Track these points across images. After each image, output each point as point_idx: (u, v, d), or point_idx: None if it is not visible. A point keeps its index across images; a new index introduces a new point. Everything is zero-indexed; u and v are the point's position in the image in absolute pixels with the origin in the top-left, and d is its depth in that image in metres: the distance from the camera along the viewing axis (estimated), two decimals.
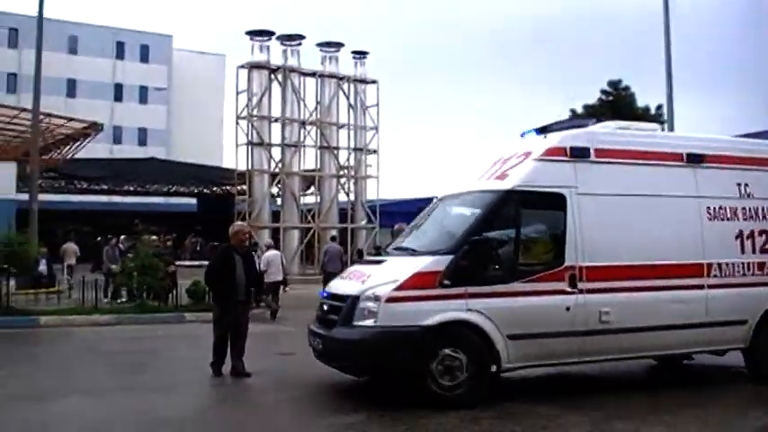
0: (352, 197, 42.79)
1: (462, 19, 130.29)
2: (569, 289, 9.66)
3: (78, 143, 36.89)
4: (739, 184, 11.05)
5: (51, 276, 24.55)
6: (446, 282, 9.12)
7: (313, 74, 40.85)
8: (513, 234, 9.75)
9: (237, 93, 39.57)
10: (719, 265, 10.61)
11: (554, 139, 10.48)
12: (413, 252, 10.27)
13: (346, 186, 42.63)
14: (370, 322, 9.03)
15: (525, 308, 9.44)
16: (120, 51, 68.55)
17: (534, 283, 9.58)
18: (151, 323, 18.08)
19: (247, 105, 39.20)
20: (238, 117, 39.45)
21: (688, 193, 10.73)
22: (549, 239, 10.16)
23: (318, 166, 41.62)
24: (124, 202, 52.06)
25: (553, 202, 10.00)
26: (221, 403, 9.87)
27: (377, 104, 42.87)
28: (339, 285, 10.41)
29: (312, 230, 39.54)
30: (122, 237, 25.43)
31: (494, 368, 9.20)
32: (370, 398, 9.65)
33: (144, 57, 69.92)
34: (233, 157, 40.67)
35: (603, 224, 10.01)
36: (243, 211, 38.76)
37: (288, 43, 39.90)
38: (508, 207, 9.86)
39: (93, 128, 35.12)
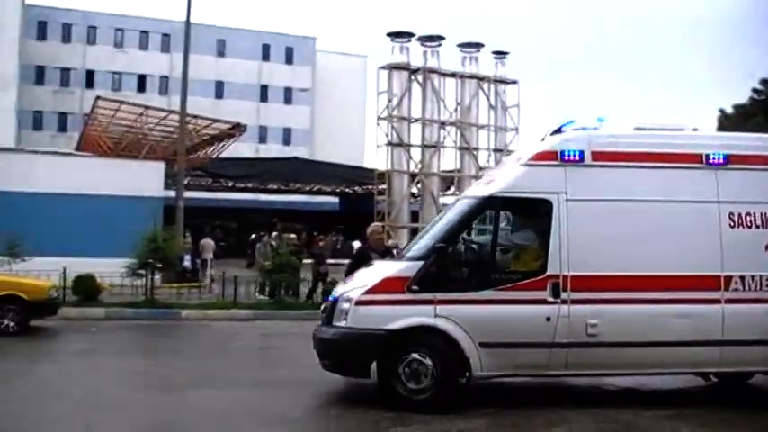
0: None
1: (604, 15, 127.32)
2: (551, 299, 9.23)
3: (223, 143, 38.04)
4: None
5: (195, 271, 25.41)
6: (414, 287, 9.11)
7: (453, 74, 40.69)
8: (490, 241, 9.75)
9: (378, 94, 39.87)
10: (742, 277, 9.54)
11: (546, 143, 10.04)
12: (400, 257, 10.46)
13: None
14: (342, 323, 9.27)
15: (499, 316, 9.16)
16: (265, 53, 70.33)
17: (511, 291, 9.28)
18: (287, 320, 18.37)
19: (387, 106, 39.42)
20: (379, 118, 39.74)
21: (706, 198, 9.75)
22: (532, 247, 9.75)
23: (458, 167, 41.45)
24: (269, 200, 53.28)
25: (537, 209, 9.60)
26: (341, 401, 9.84)
27: (517, 105, 42.35)
28: (337, 287, 10.50)
29: None
30: (274, 234, 26.05)
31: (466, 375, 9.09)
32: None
33: (288, 58, 71.50)
34: (374, 158, 41.11)
35: (597, 231, 9.48)
36: (382, 210, 38.94)
37: (428, 44, 39.89)
38: (487, 213, 9.89)
39: (237, 129, 36.10)
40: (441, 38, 40.08)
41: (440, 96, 40.27)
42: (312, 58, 72.62)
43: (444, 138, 40.74)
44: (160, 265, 20.25)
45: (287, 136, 70.62)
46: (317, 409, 9.46)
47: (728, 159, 9.84)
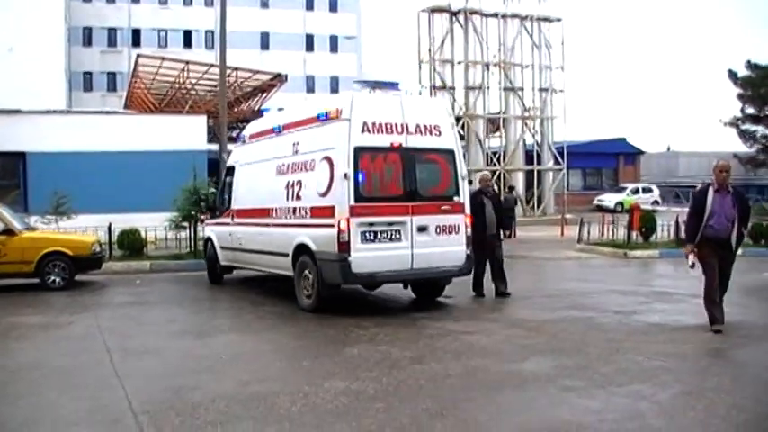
0: (538, 138, 42.03)
1: None
2: (230, 221, 15.64)
3: (265, 94, 38.17)
4: (294, 143, 13.11)
5: None
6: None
7: (495, 15, 40.15)
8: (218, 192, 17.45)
9: (419, 37, 39.52)
10: (276, 209, 13.41)
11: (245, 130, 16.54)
12: None
13: (532, 128, 41.87)
14: None
15: (219, 231, 16.30)
16: (309, 2, 69.96)
17: (221, 218, 16.24)
18: None
19: (429, 49, 39.09)
20: (421, 61, 39.45)
21: (271, 156, 13.95)
22: (229, 194, 15.93)
23: (503, 108, 41.06)
24: None
25: (232, 171, 16.00)
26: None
27: (561, 43, 41.67)
28: None
29: (497, 173, 39.15)
30: None
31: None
32: None
33: (333, 6, 71.04)
34: None
35: (244, 183, 15.35)
36: None
37: None
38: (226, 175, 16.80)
39: (278, 79, 36.20)
40: None
41: (482, 37, 39.79)
42: (356, 4, 72.09)
43: (488, 79, 40.33)
44: (202, 217, 20.55)
45: (334, 84, 70.40)
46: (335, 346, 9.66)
47: (282, 128, 13.87)
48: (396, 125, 11.86)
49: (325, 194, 11.76)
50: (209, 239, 16.89)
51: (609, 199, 46.87)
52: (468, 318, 11.61)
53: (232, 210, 15.61)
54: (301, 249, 12.25)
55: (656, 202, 45.63)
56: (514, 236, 25.51)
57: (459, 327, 10.79)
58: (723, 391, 7.08)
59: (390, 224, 11.66)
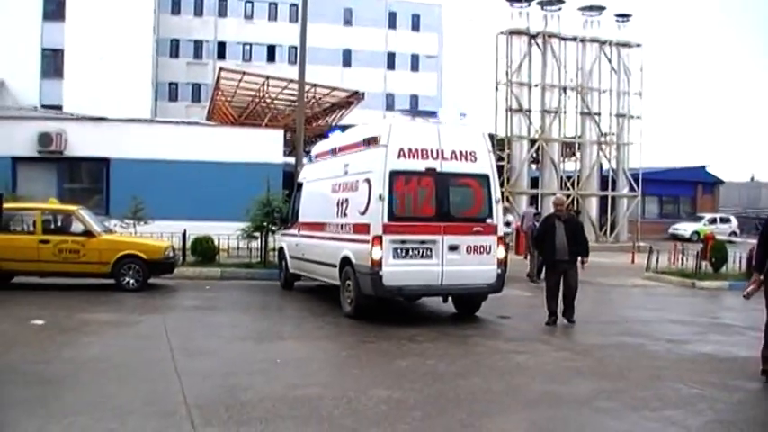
0: (613, 164, 41.75)
1: None
2: (297, 233, 16.73)
3: (343, 111, 38.81)
4: (345, 165, 14.14)
5: None
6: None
7: (574, 39, 40.07)
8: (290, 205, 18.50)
9: (497, 59, 39.74)
10: (329, 224, 14.42)
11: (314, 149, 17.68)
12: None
13: (608, 153, 41.63)
14: None
15: (288, 241, 17.42)
16: (392, 21, 70.54)
17: (291, 229, 17.38)
18: None
19: (507, 72, 39.28)
20: (498, 84, 39.65)
21: (327, 176, 15.04)
22: (297, 208, 17.16)
23: (579, 133, 40.91)
24: None
25: (301, 187, 17.29)
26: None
27: (640, 69, 41.33)
28: None
29: (572, 197, 39.02)
30: None
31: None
32: None
33: (415, 26, 71.63)
34: (498, 124, 40.91)
35: (308, 198, 16.57)
36: (501, 177, 38.84)
37: (548, 8, 39.31)
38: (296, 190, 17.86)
39: (355, 96, 36.78)
40: (561, 1, 39.38)
41: (560, 61, 39.77)
42: (439, 24, 72.58)
43: (565, 103, 40.25)
44: (274, 228, 21.15)
45: (414, 102, 70.90)
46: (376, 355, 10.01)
47: (336, 150, 15.04)
48: (431, 151, 12.71)
49: (364, 213, 12.73)
50: (281, 249, 18.10)
51: (684, 228, 46.21)
52: (521, 339, 11.84)
53: (298, 222, 16.83)
54: (345, 261, 13.24)
55: (733, 233, 44.79)
56: None
57: (509, 347, 11.06)
58: (756, 423, 7.21)
59: (422, 242, 12.48)
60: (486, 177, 13.06)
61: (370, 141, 13.02)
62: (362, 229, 12.65)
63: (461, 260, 12.58)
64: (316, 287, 17.08)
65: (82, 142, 27.33)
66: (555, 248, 13.21)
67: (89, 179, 28.79)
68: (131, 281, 16.45)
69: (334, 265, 13.64)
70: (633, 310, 16.07)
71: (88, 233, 16.47)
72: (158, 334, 11.27)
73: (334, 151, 15.23)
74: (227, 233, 21.31)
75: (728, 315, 15.86)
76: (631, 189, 41.21)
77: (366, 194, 12.68)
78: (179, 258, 19.25)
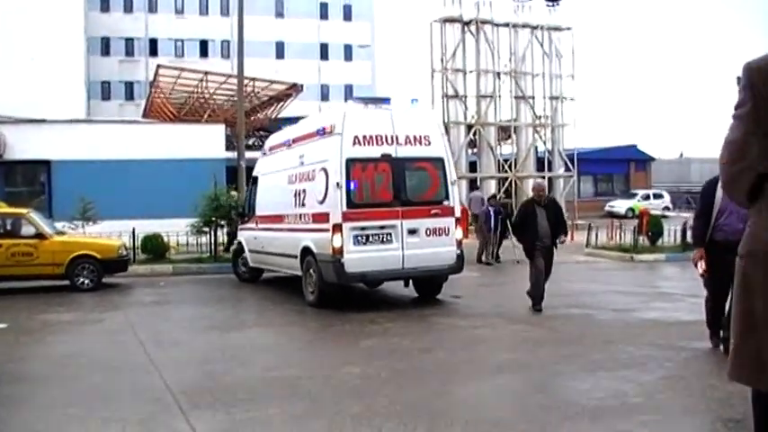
0: (549, 146, 42.64)
1: None
2: (255, 226, 16.80)
3: (282, 103, 39.00)
4: (300, 156, 14.32)
5: None
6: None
7: (506, 24, 40.74)
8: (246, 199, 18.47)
9: (432, 47, 40.23)
10: (287, 215, 14.60)
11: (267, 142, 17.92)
12: None
13: (543, 135, 42.49)
14: None
15: (247, 236, 17.36)
16: (323, 11, 70.73)
17: (248, 223, 17.33)
18: None
19: (442, 59, 39.79)
20: (433, 71, 40.15)
21: (283, 167, 15.17)
22: (254, 201, 17.12)
23: (514, 116, 41.67)
24: None
25: (256, 181, 17.22)
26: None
27: (572, 52, 42.29)
28: None
29: (509, 179, 39.80)
30: None
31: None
32: None
33: (347, 15, 71.91)
34: (434, 110, 41.42)
35: (264, 192, 16.60)
36: None
37: None
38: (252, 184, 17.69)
39: (294, 89, 37.04)
40: None
41: (493, 47, 40.43)
42: (370, 13, 72.95)
43: (500, 88, 40.94)
44: (222, 223, 21.36)
45: (348, 92, 71.13)
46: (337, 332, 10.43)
47: (293, 141, 15.10)
48: (386, 137, 12.96)
49: (322, 202, 12.96)
50: (240, 242, 18.16)
51: (620, 205, 47.42)
52: (476, 315, 12.36)
53: (256, 216, 16.92)
54: (306, 251, 13.46)
55: (666, 208, 46.13)
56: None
57: (467, 322, 11.57)
58: (702, 375, 7.80)
59: (381, 228, 12.77)
60: (440, 160, 13.38)
61: (325, 130, 13.24)
62: (322, 218, 12.90)
63: (421, 243, 12.89)
64: (273, 278, 17.38)
65: (22, 145, 27.15)
66: (538, 234, 12.50)
67: (30, 182, 28.59)
68: (86, 281, 16.55)
69: (295, 256, 13.82)
70: (579, 284, 16.70)
71: (40, 235, 16.51)
72: (125, 329, 11.50)
73: (288, 143, 15.38)
74: (175, 230, 21.46)
75: (668, 284, 16.58)
76: (567, 169, 42.13)
77: (324, 183, 12.89)
78: (130, 257, 19.36)
